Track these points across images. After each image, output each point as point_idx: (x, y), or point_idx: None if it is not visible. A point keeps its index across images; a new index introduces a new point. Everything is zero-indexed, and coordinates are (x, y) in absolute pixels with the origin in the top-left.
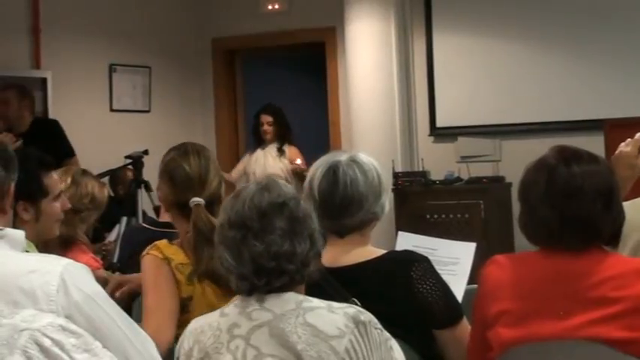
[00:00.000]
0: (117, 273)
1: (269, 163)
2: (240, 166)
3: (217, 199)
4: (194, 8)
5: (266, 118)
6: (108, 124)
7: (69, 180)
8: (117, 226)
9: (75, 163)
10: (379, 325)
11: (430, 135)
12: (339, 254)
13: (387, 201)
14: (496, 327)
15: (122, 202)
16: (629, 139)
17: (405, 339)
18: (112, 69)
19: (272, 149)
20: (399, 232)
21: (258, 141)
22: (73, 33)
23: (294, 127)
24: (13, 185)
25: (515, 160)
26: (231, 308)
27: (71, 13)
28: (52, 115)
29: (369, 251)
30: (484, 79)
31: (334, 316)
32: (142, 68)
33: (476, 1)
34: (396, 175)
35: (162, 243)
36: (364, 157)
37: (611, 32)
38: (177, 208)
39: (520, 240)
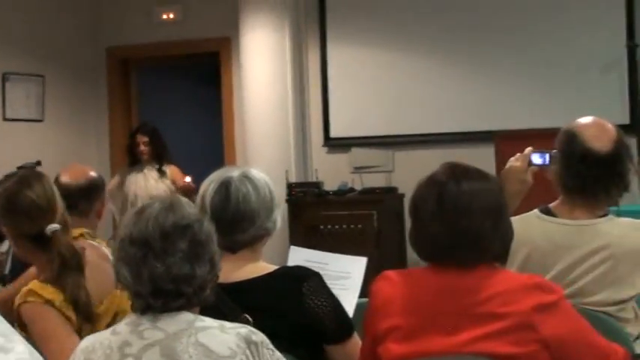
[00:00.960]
0: (8, 285)
1: (150, 184)
2: (114, 181)
3: (67, 223)
4: (88, 16)
5: (142, 138)
6: (1, 134)
7: None
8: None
9: None
10: (271, 346)
11: (324, 145)
12: (231, 270)
13: (279, 217)
14: (386, 342)
15: None
16: (518, 154)
17: (296, 354)
18: (5, 78)
19: (151, 170)
20: (291, 247)
21: (133, 161)
22: None
23: (187, 138)
24: None
25: (407, 171)
26: (123, 326)
27: None
28: None
29: (261, 267)
30: (377, 91)
31: (226, 336)
32: (36, 77)
33: (370, 13)
34: (289, 186)
35: (36, 285)
36: (256, 173)
37: (502, 46)
38: (30, 239)
39: (412, 252)
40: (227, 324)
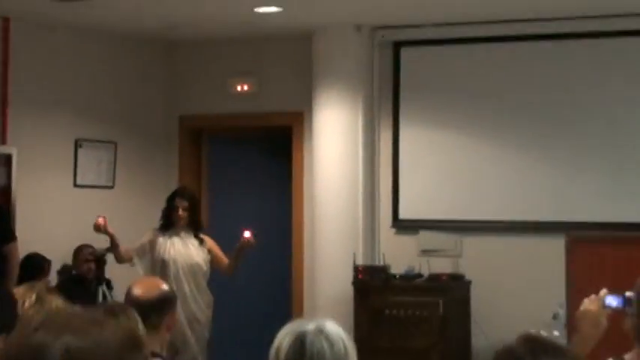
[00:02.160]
0: None
1: (191, 251)
2: (144, 239)
3: None
4: (163, 85)
5: (181, 203)
6: (71, 200)
7: (33, 297)
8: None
9: (14, 249)
10: None
11: (392, 226)
12: None
13: None
14: None
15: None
16: (593, 296)
17: None
18: (77, 144)
19: (189, 237)
20: None
21: (167, 224)
22: (40, 109)
23: (255, 210)
24: None
25: (475, 257)
26: None
27: (40, 87)
28: (15, 190)
29: None
30: (448, 174)
31: None
32: (108, 143)
33: (444, 96)
34: (356, 269)
35: None
36: (332, 327)
37: (581, 134)
38: None
39: (477, 339)
40: None
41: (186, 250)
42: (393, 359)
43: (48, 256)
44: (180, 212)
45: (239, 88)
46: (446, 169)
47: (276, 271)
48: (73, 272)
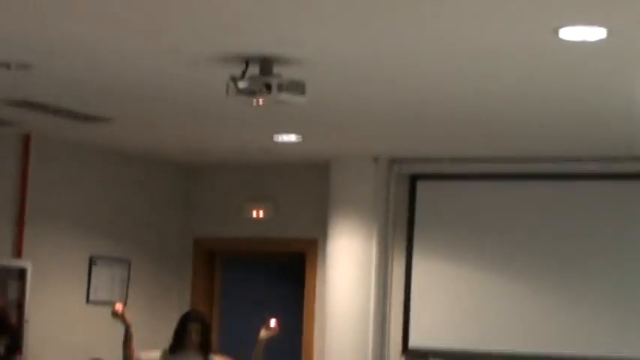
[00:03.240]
0: None
1: None
2: (155, 356)
3: None
4: (179, 207)
5: (195, 326)
6: (84, 315)
7: None
8: None
9: None
10: None
11: (402, 355)
12: None
13: None
14: None
15: None
16: None
17: None
18: (92, 261)
19: (198, 358)
20: None
21: (177, 346)
22: (56, 224)
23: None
24: None
25: None
26: None
27: (57, 204)
28: (28, 305)
29: None
30: (459, 305)
31: None
32: (122, 261)
33: (458, 229)
34: None
35: None
36: None
37: (582, 273)
38: None
39: None
40: None
41: None
42: None
43: None
44: (193, 336)
45: (255, 213)
46: (457, 301)
47: None
48: None
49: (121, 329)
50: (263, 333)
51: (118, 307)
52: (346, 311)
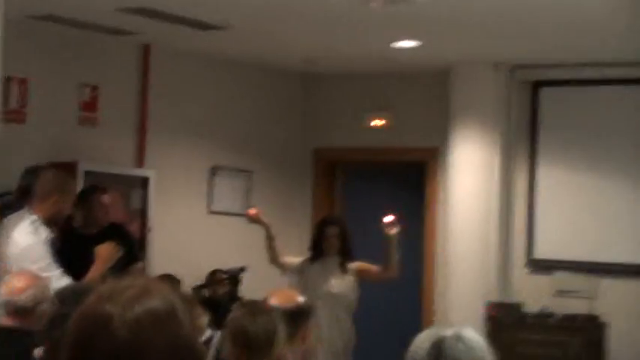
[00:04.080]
0: None
1: (332, 283)
2: (295, 261)
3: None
4: (300, 118)
5: (332, 231)
6: (206, 225)
7: None
8: (207, 331)
9: (141, 269)
10: None
11: (526, 266)
12: None
13: None
14: None
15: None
16: None
17: None
18: (213, 171)
19: (334, 266)
20: None
21: (318, 254)
22: (178, 134)
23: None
24: None
25: (611, 300)
26: None
27: (179, 114)
28: (152, 213)
29: None
30: (585, 215)
31: None
32: (244, 172)
33: (582, 137)
34: (489, 306)
35: None
36: (471, 334)
37: None
38: None
39: None
40: None
41: (327, 281)
42: None
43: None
44: (332, 240)
45: (375, 122)
46: (583, 210)
47: (407, 305)
48: (205, 295)
49: (241, 240)
50: (389, 230)
51: (252, 210)
52: (468, 221)
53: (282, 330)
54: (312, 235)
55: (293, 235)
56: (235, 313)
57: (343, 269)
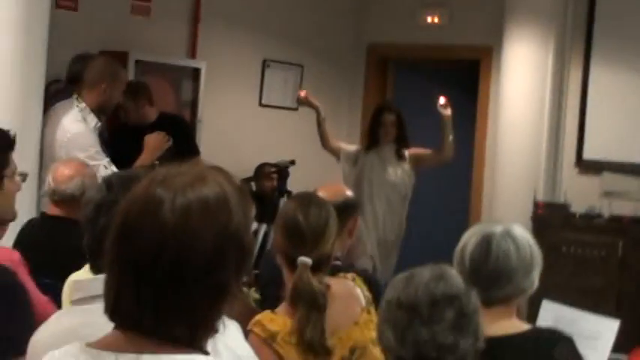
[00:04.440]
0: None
1: (389, 172)
2: (350, 148)
3: (327, 260)
4: (353, 13)
5: (389, 118)
6: (256, 119)
7: None
8: (254, 224)
9: (198, 162)
10: None
11: (575, 166)
12: (484, 324)
13: (537, 276)
14: None
15: (264, 204)
16: None
17: None
18: (265, 64)
19: (390, 155)
20: (543, 301)
21: (373, 141)
22: (230, 26)
23: (437, 139)
24: None
25: None
26: None
27: (231, 6)
28: (202, 105)
29: (513, 325)
30: (636, 118)
31: None
32: (295, 66)
33: (639, 40)
34: (536, 204)
35: (266, 317)
36: (519, 231)
37: None
38: (287, 260)
39: None
40: None
41: (384, 170)
42: (567, 296)
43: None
44: (388, 128)
45: (429, 19)
46: (635, 111)
47: (454, 203)
48: (253, 188)
49: (290, 134)
50: (442, 111)
51: (302, 92)
52: (520, 120)
53: (334, 224)
54: (368, 123)
55: (342, 130)
56: (288, 204)
57: (400, 157)
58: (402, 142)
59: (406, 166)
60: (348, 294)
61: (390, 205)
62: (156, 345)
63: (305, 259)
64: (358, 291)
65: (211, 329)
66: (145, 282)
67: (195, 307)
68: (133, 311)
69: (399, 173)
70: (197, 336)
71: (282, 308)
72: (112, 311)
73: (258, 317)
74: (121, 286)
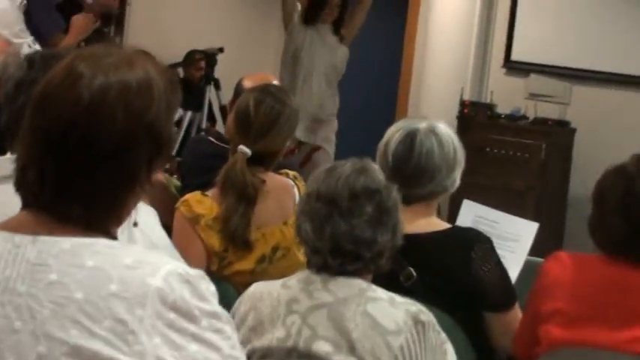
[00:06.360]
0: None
1: (327, 52)
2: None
3: (271, 155)
4: None
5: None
6: (187, 3)
7: None
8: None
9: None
10: (437, 327)
11: (503, 67)
12: (403, 221)
13: (459, 176)
14: (548, 324)
15: (190, 91)
16: None
17: (454, 316)
18: None
19: (328, 34)
20: (464, 201)
21: (311, 18)
22: None
23: (366, 42)
24: None
25: (583, 107)
26: (294, 282)
27: None
28: None
29: (433, 223)
30: (566, 21)
31: (395, 311)
32: None
33: None
34: (462, 103)
35: (195, 197)
36: (443, 128)
37: None
38: (233, 149)
39: (574, 187)
40: (397, 298)
41: (324, 49)
42: (489, 197)
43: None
44: (334, 8)
45: None
46: (565, 15)
47: (382, 98)
48: (181, 75)
49: (221, 21)
50: None
51: None
52: (450, 19)
53: (287, 122)
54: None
55: (272, 23)
56: (247, 93)
57: (340, 38)
58: (340, 24)
59: (345, 49)
60: (283, 191)
61: (329, 85)
62: (55, 227)
63: (244, 148)
64: (295, 190)
65: (116, 215)
66: (51, 156)
67: (97, 188)
68: (35, 185)
69: (339, 54)
70: (96, 219)
71: (212, 192)
72: (18, 185)
73: (187, 196)
74: (28, 158)
